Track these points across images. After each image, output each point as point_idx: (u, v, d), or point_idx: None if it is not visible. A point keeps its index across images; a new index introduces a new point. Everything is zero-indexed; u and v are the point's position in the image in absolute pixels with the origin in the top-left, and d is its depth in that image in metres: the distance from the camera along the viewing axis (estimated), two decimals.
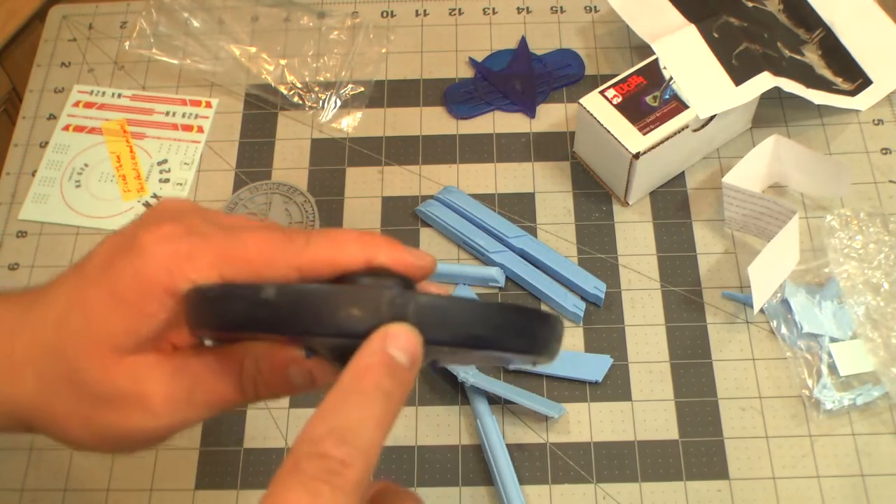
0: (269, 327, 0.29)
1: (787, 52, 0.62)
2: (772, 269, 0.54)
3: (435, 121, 0.64)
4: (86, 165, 0.64)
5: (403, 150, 0.63)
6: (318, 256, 0.32)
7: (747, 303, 0.55)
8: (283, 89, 0.66)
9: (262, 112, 0.65)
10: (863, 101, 0.62)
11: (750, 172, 0.57)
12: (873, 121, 0.62)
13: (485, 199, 0.60)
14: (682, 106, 0.56)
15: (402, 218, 0.60)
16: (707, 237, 0.58)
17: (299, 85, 0.66)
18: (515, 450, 0.51)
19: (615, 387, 0.53)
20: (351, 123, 0.65)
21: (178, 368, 0.33)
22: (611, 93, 0.57)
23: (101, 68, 0.68)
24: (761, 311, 0.55)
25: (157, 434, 0.33)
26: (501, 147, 0.63)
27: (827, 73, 0.64)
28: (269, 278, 0.32)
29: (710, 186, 0.60)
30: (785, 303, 0.55)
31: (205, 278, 0.32)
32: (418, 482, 0.51)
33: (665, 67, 0.58)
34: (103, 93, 0.67)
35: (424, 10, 0.69)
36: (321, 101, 0.65)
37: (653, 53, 0.59)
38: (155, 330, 0.32)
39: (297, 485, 0.27)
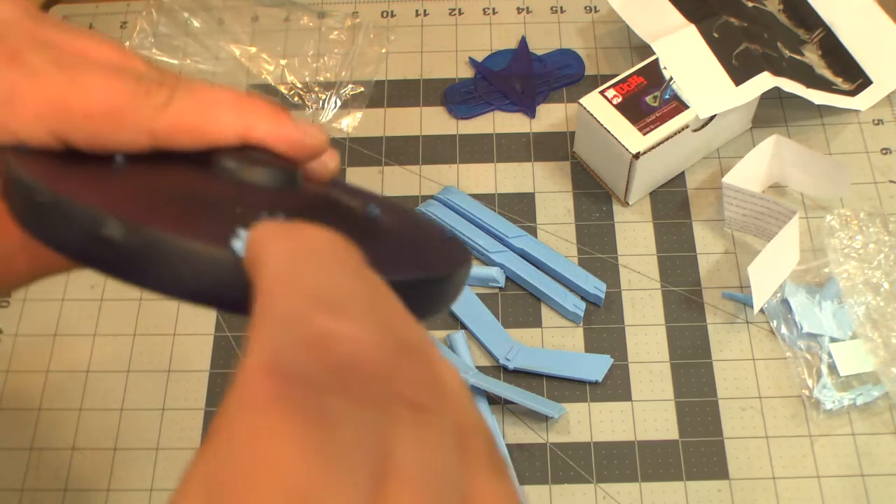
0: (113, 272, 0.22)
1: (787, 52, 0.62)
2: (772, 269, 0.54)
3: (435, 121, 0.64)
4: None
5: (403, 150, 0.63)
6: (180, 121, 0.26)
7: (747, 303, 0.55)
8: (283, 89, 0.66)
9: None
10: (863, 101, 0.62)
11: (750, 172, 0.57)
12: (873, 121, 0.62)
13: (485, 199, 0.60)
14: (682, 106, 0.56)
15: None
16: (707, 237, 0.58)
17: (299, 85, 0.66)
18: (515, 450, 0.51)
19: (615, 387, 0.53)
20: (351, 123, 0.65)
21: None
22: (611, 93, 0.57)
23: None
24: (761, 311, 0.55)
25: None
26: (501, 147, 0.63)
27: (827, 73, 0.64)
28: (114, 143, 0.26)
29: (710, 186, 0.60)
30: (785, 303, 0.55)
31: (29, 132, 0.25)
32: None
33: (665, 67, 0.58)
34: None
35: (424, 10, 0.69)
36: (321, 101, 0.65)
37: (653, 53, 0.59)
38: None
39: (290, 419, 0.16)
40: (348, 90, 0.66)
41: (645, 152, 0.55)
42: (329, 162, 0.30)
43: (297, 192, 0.27)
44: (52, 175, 0.24)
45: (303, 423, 0.16)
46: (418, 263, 0.28)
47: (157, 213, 0.23)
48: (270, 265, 0.20)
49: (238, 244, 0.22)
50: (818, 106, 0.62)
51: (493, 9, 0.69)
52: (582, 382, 0.54)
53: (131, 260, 0.22)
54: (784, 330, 0.54)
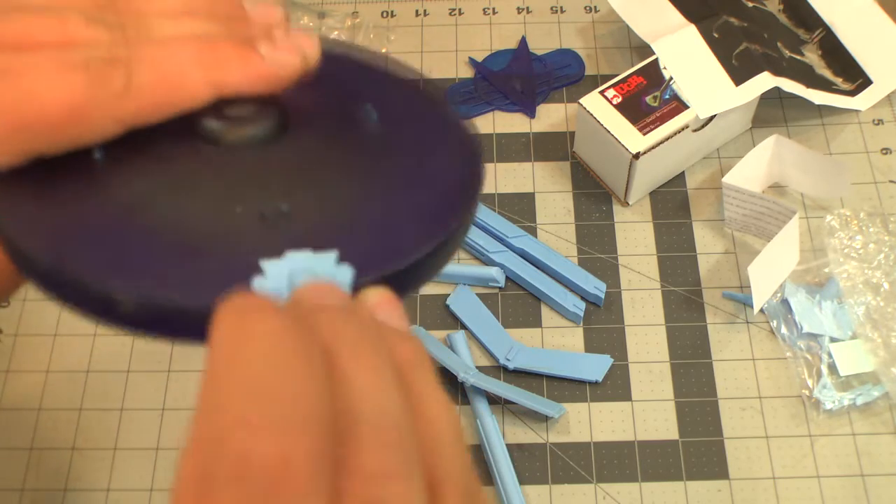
0: (100, 320, 0.23)
1: (787, 52, 0.62)
2: (772, 269, 0.54)
3: None
4: None
5: None
6: (146, 100, 0.24)
7: (747, 303, 0.55)
8: None
9: None
10: (863, 101, 0.62)
11: (750, 172, 0.57)
12: (873, 121, 0.62)
13: (485, 199, 0.60)
14: (682, 106, 0.56)
15: None
16: (707, 237, 0.58)
17: None
18: (515, 450, 0.51)
19: (615, 387, 0.53)
20: None
21: None
22: (611, 93, 0.57)
23: None
24: (761, 311, 0.55)
25: None
26: (501, 147, 0.63)
27: (827, 73, 0.64)
28: (82, 141, 0.24)
29: (710, 186, 0.60)
30: (785, 303, 0.55)
31: None
32: None
33: (665, 67, 0.58)
34: None
35: (424, 10, 0.69)
36: None
37: (653, 53, 0.59)
38: None
39: None
40: None
41: (645, 152, 0.55)
42: (309, 54, 0.28)
43: (282, 138, 0.27)
44: (35, 217, 0.24)
45: None
46: (418, 217, 0.27)
47: (157, 272, 0.23)
48: (211, 361, 0.21)
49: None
50: (818, 106, 0.62)
51: (493, 9, 0.69)
52: (582, 382, 0.54)
53: (130, 321, 0.23)
54: (784, 330, 0.54)
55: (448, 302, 0.56)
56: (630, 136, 0.55)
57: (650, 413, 0.52)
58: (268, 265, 0.23)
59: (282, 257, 0.23)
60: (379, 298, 0.24)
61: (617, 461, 0.51)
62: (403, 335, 0.24)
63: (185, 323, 0.23)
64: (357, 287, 0.24)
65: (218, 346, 0.21)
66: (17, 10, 0.24)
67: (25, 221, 0.24)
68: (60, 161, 0.25)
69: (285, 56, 0.27)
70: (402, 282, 0.25)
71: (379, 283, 0.24)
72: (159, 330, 0.23)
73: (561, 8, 0.69)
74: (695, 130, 0.57)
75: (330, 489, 0.19)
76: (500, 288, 0.57)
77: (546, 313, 0.56)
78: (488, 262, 0.57)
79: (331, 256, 0.24)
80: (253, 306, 0.21)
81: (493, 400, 0.53)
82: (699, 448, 0.51)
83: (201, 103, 0.25)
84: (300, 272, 0.23)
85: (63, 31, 0.24)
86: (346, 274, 0.24)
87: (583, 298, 0.56)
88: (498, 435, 0.51)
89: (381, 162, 0.28)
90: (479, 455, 0.51)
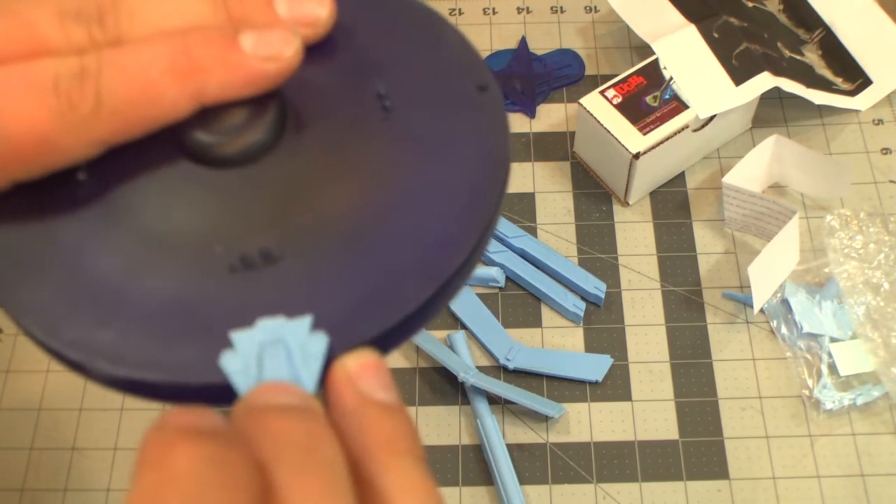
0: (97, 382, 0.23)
1: (787, 52, 0.62)
2: (772, 269, 0.54)
3: None
4: None
5: None
6: (119, 120, 0.22)
7: (747, 303, 0.55)
8: None
9: None
10: (863, 101, 0.62)
11: (750, 172, 0.57)
12: (873, 121, 0.62)
13: None
14: (682, 106, 0.56)
15: None
16: (707, 237, 0.58)
17: None
18: (515, 450, 0.51)
19: (615, 387, 0.53)
20: None
21: None
22: (611, 93, 0.57)
23: None
24: (761, 311, 0.55)
25: None
26: (511, 147, 0.63)
27: (827, 73, 0.64)
28: (59, 166, 0.22)
29: (710, 186, 0.60)
30: (785, 303, 0.55)
31: None
32: None
33: (665, 67, 0.58)
34: None
35: None
36: None
37: (653, 53, 0.59)
38: None
39: None
40: None
41: (645, 152, 0.55)
42: (319, 14, 0.24)
43: (280, 142, 0.24)
44: (17, 268, 0.23)
45: None
46: (421, 253, 0.23)
47: (132, 348, 0.22)
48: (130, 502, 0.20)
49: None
50: (818, 106, 0.62)
51: (493, 9, 0.69)
52: (582, 382, 0.54)
53: (110, 386, 0.22)
54: (784, 330, 0.54)
55: None
56: (630, 136, 0.55)
57: (650, 413, 0.52)
58: (237, 338, 0.22)
59: (253, 326, 0.22)
60: (360, 364, 0.22)
61: (617, 461, 0.51)
62: (386, 409, 0.21)
63: (163, 394, 0.22)
64: (337, 352, 0.22)
65: (138, 482, 0.19)
66: None
67: (7, 276, 0.23)
68: (42, 183, 0.23)
69: (276, 46, 0.23)
70: (391, 338, 0.22)
71: (363, 343, 0.22)
72: (137, 394, 0.22)
73: (561, 8, 0.69)
74: (695, 130, 0.57)
75: None
76: (500, 288, 0.57)
77: (546, 313, 0.56)
78: (488, 262, 0.57)
79: (305, 323, 0.22)
80: (179, 436, 0.19)
81: (493, 400, 0.53)
82: (699, 448, 0.51)
83: (182, 116, 0.22)
84: (270, 343, 0.21)
85: (31, 38, 0.22)
86: (319, 344, 0.21)
87: (583, 298, 0.56)
88: (498, 435, 0.51)
89: (389, 174, 0.24)
90: (479, 455, 0.51)
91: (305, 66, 0.24)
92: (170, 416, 0.20)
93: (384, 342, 0.22)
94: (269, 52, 0.22)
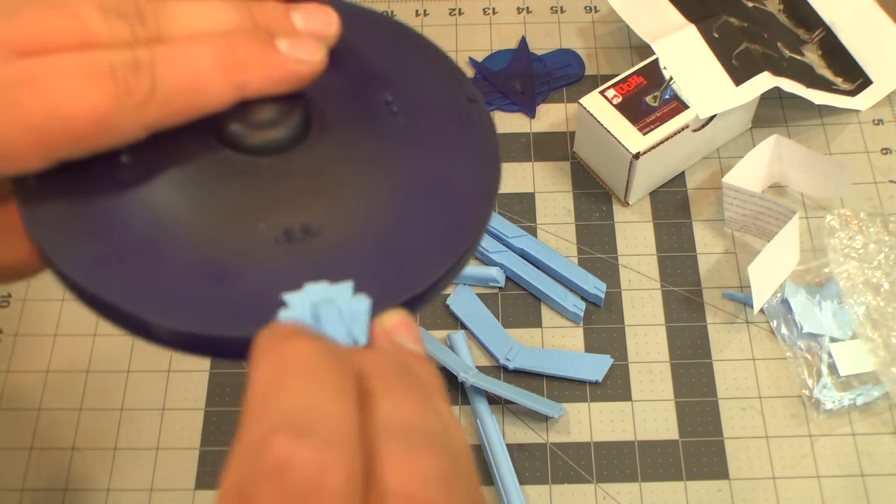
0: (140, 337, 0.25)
1: (787, 52, 0.62)
2: (772, 269, 0.54)
3: None
4: None
5: None
6: (169, 107, 0.24)
7: (747, 303, 0.55)
8: None
9: None
10: (863, 101, 0.62)
11: (750, 172, 0.57)
12: (873, 121, 0.62)
13: None
14: (682, 106, 0.56)
15: None
16: (707, 237, 0.58)
17: None
18: (515, 450, 0.51)
19: (615, 387, 0.53)
20: None
21: None
22: (611, 93, 0.57)
23: None
24: (761, 311, 0.55)
25: None
26: (501, 147, 0.63)
27: (827, 73, 0.64)
28: (108, 147, 0.25)
29: (710, 186, 0.60)
30: (785, 303, 0.55)
31: (20, 167, 0.24)
32: None
33: (665, 67, 0.58)
34: None
35: (424, 10, 0.69)
36: None
37: (653, 53, 0.59)
38: None
39: None
40: None
41: (645, 152, 0.55)
42: (329, 34, 0.27)
43: (304, 140, 0.27)
44: (68, 232, 0.25)
45: None
46: (438, 233, 0.27)
47: (188, 302, 0.25)
48: (253, 383, 0.22)
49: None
50: (818, 106, 0.62)
51: (493, 9, 0.69)
52: (582, 382, 0.54)
53: (166, 343, 0.25)
54: (784, 330, 0.54)
55: (448, 302, 0.56)
56: (630, 136, 0.55)
57: (650, 413, 0.52)
58: (290, 298, 0.24)
59: (302, 289, 0.25)
60: (396, 321, 0.25)
61: (617, 461, 0.51)
62: (419, 359, 0.25)
63: (220, 348, 0.25)
64: (375, 312, 0.25)
65: (260, 368, 0.22)
66: (28, 8, 0.24)
67: (59, 237, 0.25)
68: (88, 164, 0.25)
69: (306, 51, 0.26)
70: (418, 301, 0.26)
71: (396, 305, 0.26)
72: (195, 351, 0.25)
73: (561, 8, 0.69)
74: (695, 130, 0.57)
75: (361, 500, 0.20)
76: (500, 288, 0.57)
77: (546, 313, 0.56)
78: (488, 262, 0.57)
79: (347, 287, 0.25)
80: (291, 333, 0.22)
81: (493, 400, 0.53)
82: (699, 448, 0.51)
83: (224, 107, 0.25)
84: (320, 303, 0.24)
85: (82, 30, 0.24)
86: (363, 304, 0.25)
87: (583, 298, 0.56)
88: (498, 435, 0.51)
89: (402, 166, 0.28)
90: (479, 455, 0.51)
91: (324, 72, 0.27)
92: (277, 324, 0.23)
93: (411, 305, 0.26)
94: (302, 55, 0.26)
